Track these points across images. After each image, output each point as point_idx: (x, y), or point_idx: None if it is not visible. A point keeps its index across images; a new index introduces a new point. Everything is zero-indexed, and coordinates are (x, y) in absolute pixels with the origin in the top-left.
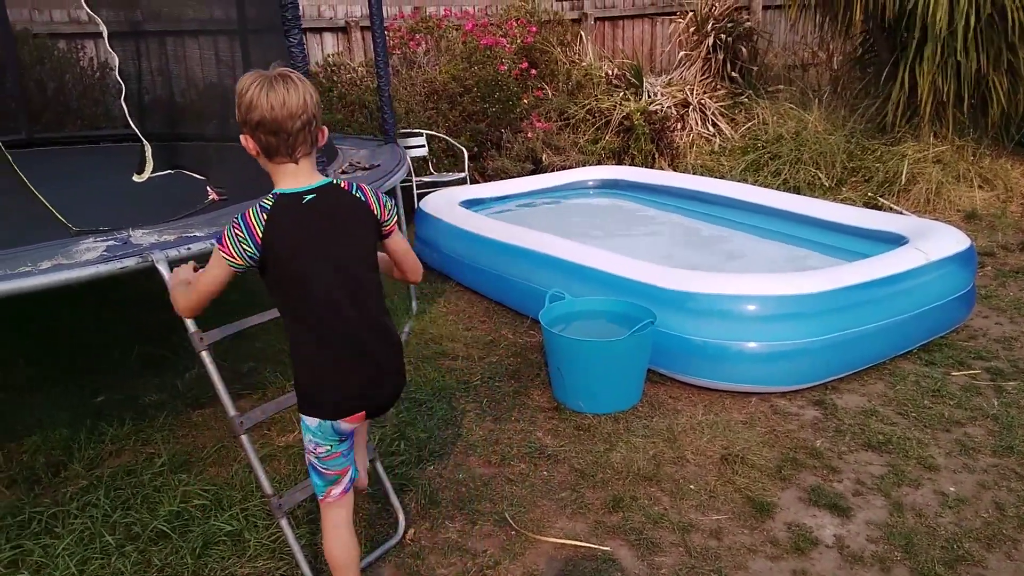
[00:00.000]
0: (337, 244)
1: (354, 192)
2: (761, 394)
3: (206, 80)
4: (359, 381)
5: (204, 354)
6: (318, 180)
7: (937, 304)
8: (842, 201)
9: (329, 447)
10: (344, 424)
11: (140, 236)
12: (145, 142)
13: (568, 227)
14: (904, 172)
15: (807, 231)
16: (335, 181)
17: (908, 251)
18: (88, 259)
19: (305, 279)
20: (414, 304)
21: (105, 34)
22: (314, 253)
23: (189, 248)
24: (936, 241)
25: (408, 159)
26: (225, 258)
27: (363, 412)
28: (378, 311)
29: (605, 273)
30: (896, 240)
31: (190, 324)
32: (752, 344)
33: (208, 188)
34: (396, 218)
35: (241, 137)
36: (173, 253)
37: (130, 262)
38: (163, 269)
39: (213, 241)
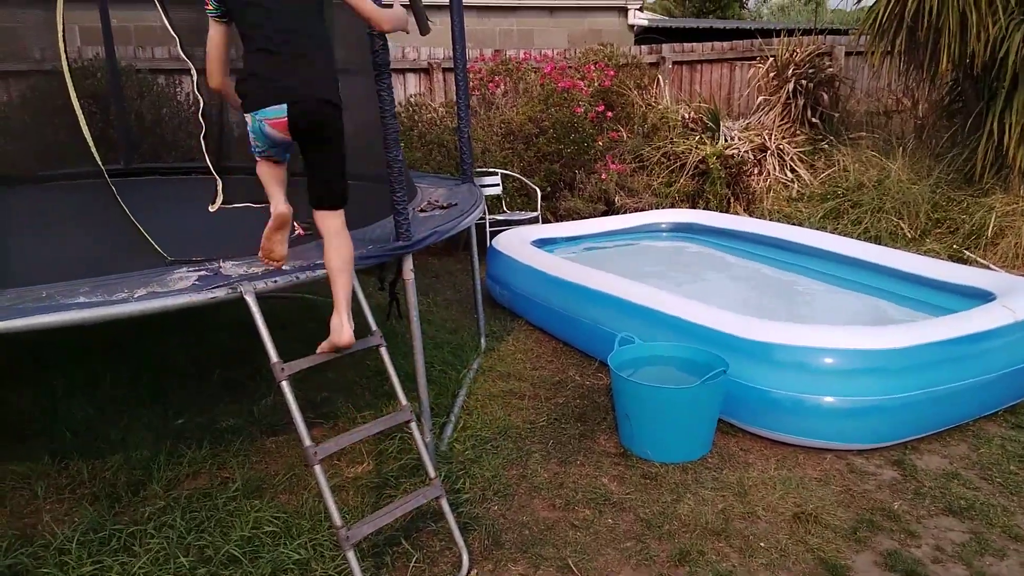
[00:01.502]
0: None
1: None
2: (837, 451)
3: None
4: (271, 76)
5: (284, 384)
6: None
7: None
8: (926, 253)
9: (262, 149)
10: (268, 128)
11: (229, 267)
12: (218, 178)
13: (640, 270)
14: (992, 225)
15: (888, 283)
16: None
17: (995, 308)
18: (180, 288)
19: (246, 6)
20: (483, 341)
21: (195, 76)
22: None
23: (276, 281)
24: None
25: (483, 198)
26: (208, 11)
27: (284, 120)
28: (304, 35)
29: (676, 318)
30: (982, 296)
31: (272, 354)
32: (829, 398)
33: (294, 223)
34: None
35: None
36: (260, 285)
37: (220, 292)
38: (251, 300)
39: (297, 274)
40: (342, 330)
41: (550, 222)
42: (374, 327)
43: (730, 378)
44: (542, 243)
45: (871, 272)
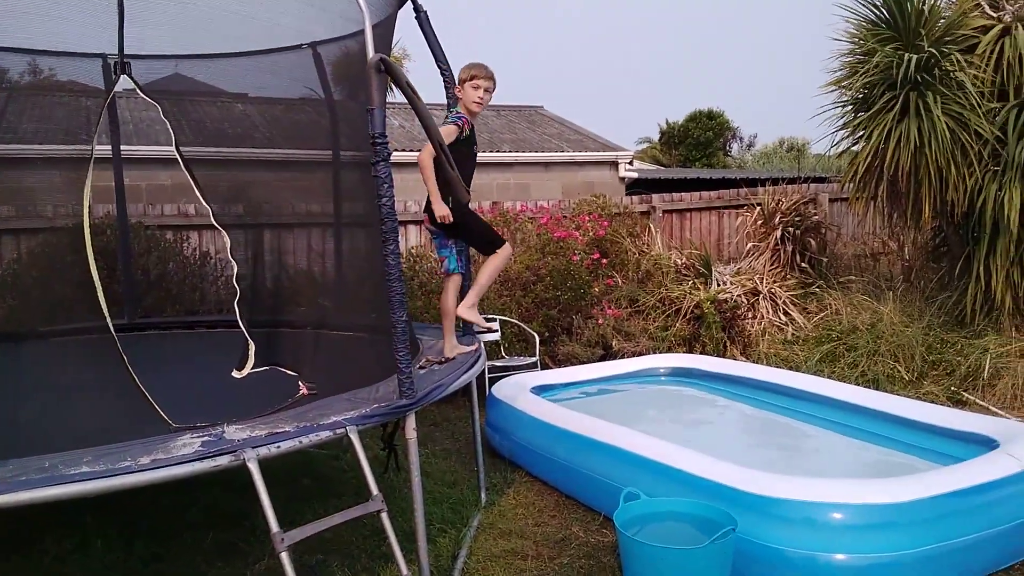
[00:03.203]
0: None
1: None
2: None
3: (300, 268)
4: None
5: (284, 555)
6: None
7: None
8: (924, 395)
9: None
10: (426, 221)
11: (233, 431)
12: (250, 340)
13: (640, 417)
14: (987, 366)
15: (889, 429)
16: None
17: (1000, 456)
18: (184, 455)
19: None
20: (483, 495)
21: (228, 241)
22: None
23: (279, 447)
24: None
25: (483, 349)
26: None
27: (426, 217)
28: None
29: (683, 472)
30: (984, 442)
31: (273, 524)
32: (840, 556)
33: (300, 383)
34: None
35: None
36: (264, 451)
37: (223, 460)
38: (253, 467)
39: (300, 438)
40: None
41: (549, 367)
42: (375, 491)
43: (739, 535)
44: (541, 390)
45: (871, 418)
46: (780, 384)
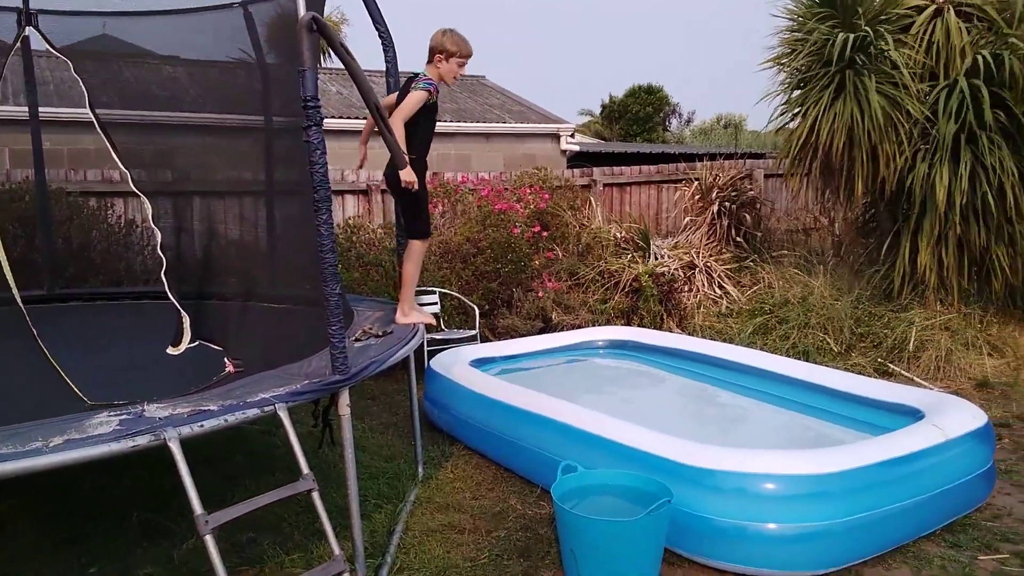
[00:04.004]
0: None
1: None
2: None
3: (231, 238)
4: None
5: (208, 538)
6: None
7: (958, 483)
8: (852, 366)
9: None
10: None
11: (154, 410)
12: (185, 315)
13: (578, 389)
14: (912, 339)
15: (819, 399)
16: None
17: (925, 427)
18: (101, 434)
19: None
20: (420, 469)
21: (148, 209)
22: None
23: (202, 426)
24: (952, 416)
25: (422, 324)
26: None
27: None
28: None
29: (619, 444)
30: (910, 413)
31: (196, 505)
32: (772, 525)
33: (226, 360)
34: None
35: None
36: (185, 431)
37: (142, 440)
38: (175, 448)
39: (226, 416)
40: (401, 316)
41: (489, 340)
42: (305, 469)
43: (674, 506)
44: (480, 363)
45: (802, 389)
46: (714, 356)
